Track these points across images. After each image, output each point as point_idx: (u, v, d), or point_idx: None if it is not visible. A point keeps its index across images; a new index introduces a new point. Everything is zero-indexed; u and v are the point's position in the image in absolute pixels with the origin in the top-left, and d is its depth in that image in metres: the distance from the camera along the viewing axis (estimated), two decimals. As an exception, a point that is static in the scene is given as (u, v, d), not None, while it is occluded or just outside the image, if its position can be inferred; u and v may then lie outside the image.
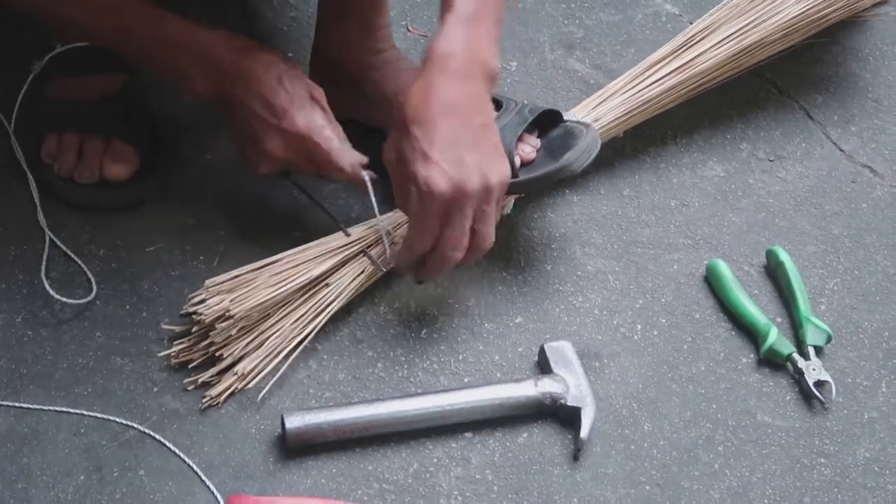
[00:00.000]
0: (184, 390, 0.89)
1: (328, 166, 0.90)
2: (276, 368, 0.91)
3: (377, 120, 1.00)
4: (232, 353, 0.89)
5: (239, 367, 0.88)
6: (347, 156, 0.90)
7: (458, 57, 0.83)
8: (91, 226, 0.97)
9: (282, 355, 0.91)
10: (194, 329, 0.91)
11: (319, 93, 0.90)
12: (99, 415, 0.87)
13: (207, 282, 0.91)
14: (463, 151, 0.84)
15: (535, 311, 0.99)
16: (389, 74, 0.99)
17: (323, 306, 0.92)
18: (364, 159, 0.92)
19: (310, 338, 0.92)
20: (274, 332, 0.90)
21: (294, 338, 0.91)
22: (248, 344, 0.90)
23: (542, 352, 0.95)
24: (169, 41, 0.86)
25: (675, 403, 0.94)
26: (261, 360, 0.90)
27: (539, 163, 0.97)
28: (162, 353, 0.91)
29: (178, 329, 0.92)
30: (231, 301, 0.88)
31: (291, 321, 0.91)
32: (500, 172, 0.86)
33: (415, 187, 0.83)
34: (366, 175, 0.91)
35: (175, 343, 0.91)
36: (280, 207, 1.01)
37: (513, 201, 1.04)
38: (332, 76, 1.00)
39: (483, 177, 0.85)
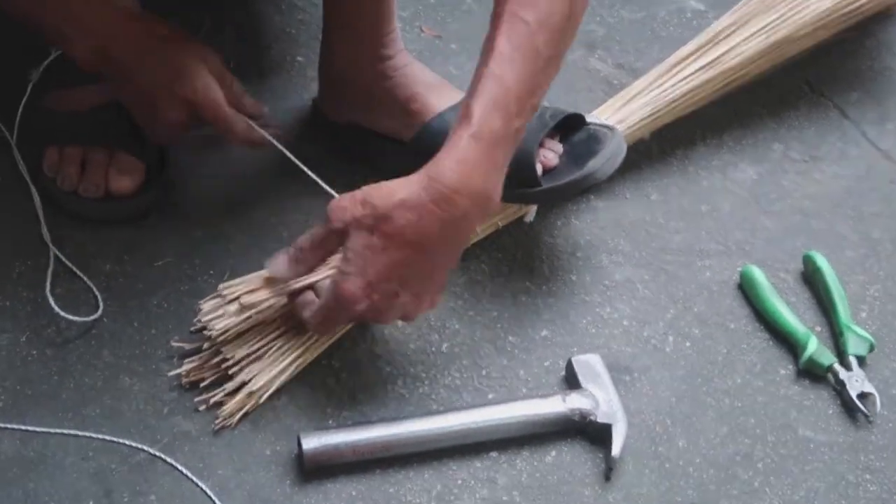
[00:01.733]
0: (195, 410, 0.89)
1: (223, 131, 0.91)
2: (292, 386, 0.91)
3: (389, 127, 1.00)
4: (245, 370, 0.88)
5: (252, 386, 0.88)
6: (240, 118, 0.91)
7: (456, 192, 0.79)
8: (96, 240, 0.97)
9: (296, 371, 0.90)
10: (205, 346, 0.90)
11: (212, 57, 0.90)
12: (108, 437, 0.86)
13: (221, 286, 0.91)
14: (404, 287, 0.82)
15: (561, 324, 0.99)
16: (400, 81, 0.98)
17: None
18: (259, 115, 0.94)
19: (324, 353, 0.92)
20: (288, 348, 0.90)
21: (309, 353, 0.91)
22: (261, 360, 0.89)
23: (569, 366, 0.94)
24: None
25: (710, 418, 0.94)
26: (275, 378, 0.89)
27: (562, 170, 0.97)
28: (172, 373, 0.90)
29: (188, 346, 0.91)
30: (242, 310, 0.88)
31: (306, 336, 0.90)
32: (423, 308, 0.86)
33: (335, 288, 0.82)
34: (266, 134, 0.92)
35: (186, 361, 0.90)
36: (291, 219, 1.01)
37: (535, 209, 1.04)
38: (341, 86, 1.01)
39: (406, 313, 0.85)
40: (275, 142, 0.92)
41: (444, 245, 0.82)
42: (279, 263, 0.87)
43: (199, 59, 0.89)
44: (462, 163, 0.79)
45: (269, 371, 0.89)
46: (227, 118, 0.90)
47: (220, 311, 0.90)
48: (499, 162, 0.81)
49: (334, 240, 0.83)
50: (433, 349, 0.96)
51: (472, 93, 0.79)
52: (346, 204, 0.81)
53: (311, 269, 0.87)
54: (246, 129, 0.92)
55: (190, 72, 0.87)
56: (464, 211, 0.80)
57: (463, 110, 0.80)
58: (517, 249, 1.04)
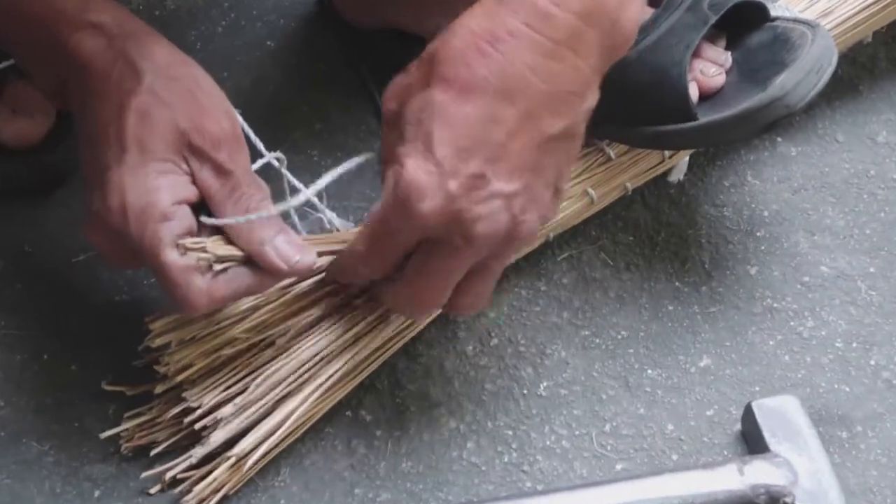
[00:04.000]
0: (144, 494, 0.89)
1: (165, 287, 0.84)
2: (297, 452, 0.92)
3: (423, 25, 1.01)
4: (221, 427, 0.89)
5: (234, 451, 0.88)
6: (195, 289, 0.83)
7: (560, 4, 0.79)
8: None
9: (304, 426, 0.91)
10: (158, 388, 0.90)
11: (206, 138, 0.85)
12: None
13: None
14: (495, 169, 0.81)
15: (731, 346, 0.99)
16: None
17: (371, 341, 0.92)
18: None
19: (350, 399, 0.93)
20: (289, 386, 0.90)
21: (324, 396, 0.91)
22: (246, 409, 0.89)
23: (748, 415, 0.94)
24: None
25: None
26: (269, 438, 0.89)
27: (731, 93, 0.97)
28: (106, 434, 0.90)
29: (129, 391, 0.92)
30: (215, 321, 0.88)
31: (319, 364, 0.91)
32: (540, 217, 0.84)
33: (393, 181, 0.81)
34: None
35: (127, 415, 0.91)
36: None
37: (686, 160, 1.04)
38: None
39: (511, 220, 0.82)
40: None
41: (550, 101, 0.80)
42: (338, 258, 0.88)
43: (175, 148, 0.84)
44: None
45: (260, 427, 0.89)
46: (181, 286, 0.83)
47: (179, 334, 0.89)
48: None
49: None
50: (523, 391, 0.96)
51: None
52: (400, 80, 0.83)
53: (391, 255, 0.85)
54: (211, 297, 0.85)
55: (141, 163, 0.82)
56: (568, 30, 0.79)
57: None
58: (657, 228, 1.05)
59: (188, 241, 0.83)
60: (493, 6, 0.79)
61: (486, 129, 0.80)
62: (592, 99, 0.82)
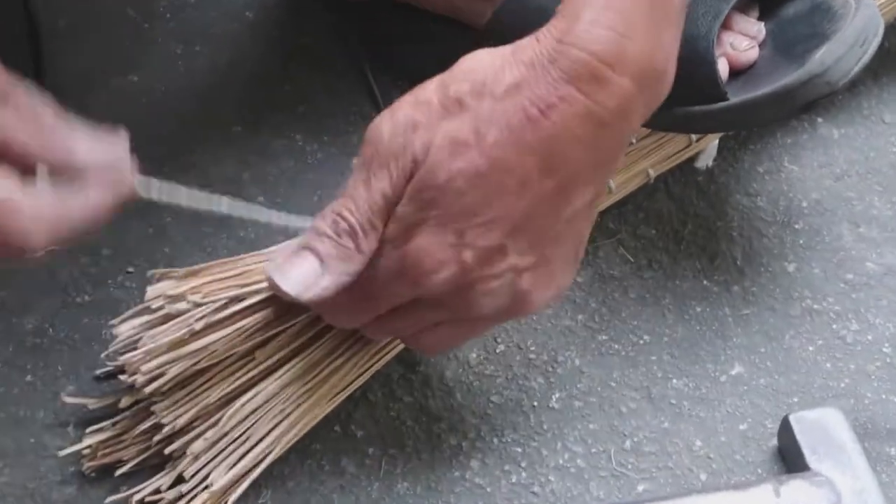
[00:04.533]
0: None
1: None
2: (280, 474, 0.92)
3: (450, 3, 1.04)
4: (195, 449, 0.88)
5: (214, 478, 0.88)
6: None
7: (607, 64, 0.79)
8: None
9: (289, 443, 0.91)
10: (123, 401, 0.90)
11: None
12: None
13: (150, 292, 0.90)
14: (515, 241, 0.81)
15: (766, 352, 0.99)
16: None
17: (368, 347, 0.93)
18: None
19: (339, 412, 0.93)
20: (272, 400, 0.90)
21: (311, 409, 0.91)
22: (222, 426, 0.88)
23: (785, 428, 0.93)
24: None
25: None
26: (250, 461, 0.89)
27: (765, 69, 0.97)
28: (66, 451, 0.90)
29: (92, 404, 0.92)
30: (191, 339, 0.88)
31: (306, 373, 0.91)
32: (552, 295, 0.85)
33: (394, 254, 0.82)
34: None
35: (89, 431, 0.91)
36: (262, 172, 1.05)
37: (715, 144, 1.05)
38: None
39: (519, 296, 0.83)
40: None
41: (587, 173, 0.81)
42: (297, 271, 0.85)
43: None
44: (611, 11, 0.78)
45: (237, 449, 0.89)
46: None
47: (149, 340, 0.89)
48: (670, 10, 0.81)
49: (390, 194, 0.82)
50: (534, 403, 0.96)
51: None
52: (405, 107, 0.81)
53: (371, 320, 0.86)
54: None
55: None
56: (622, 97, 0.79)
57: None
58: (683, 219, 1.05)
59: None
60: (537, 52, 0.79)
61: (517, 201, 0.80)
62: (622, 160, 0.84)
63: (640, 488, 0.93)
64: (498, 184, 0.79)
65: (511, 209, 0.80)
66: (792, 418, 0.92)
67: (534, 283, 0.82)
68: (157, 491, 0.88)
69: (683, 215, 1.04)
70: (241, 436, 0.90)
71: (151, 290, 0.90)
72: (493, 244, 0.80)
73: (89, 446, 0.90)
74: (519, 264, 0.81)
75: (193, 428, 0.89)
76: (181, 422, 0.88)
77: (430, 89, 0.81)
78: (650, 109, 0.82)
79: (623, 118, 0.80)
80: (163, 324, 0.90)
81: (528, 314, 0.85)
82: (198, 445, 0.88)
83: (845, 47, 0.93)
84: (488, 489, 0.92)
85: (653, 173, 1.01)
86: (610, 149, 0.82)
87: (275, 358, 0.91)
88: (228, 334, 0.89)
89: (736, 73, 0.96)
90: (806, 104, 0.95)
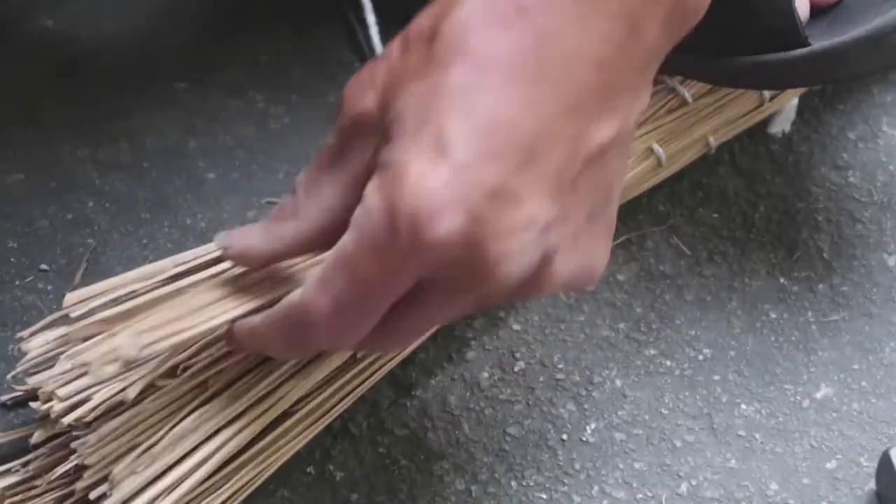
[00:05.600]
0: None
1: None
2: None
3: None
4: (131, 491, 0.86)
5: None
6: None
7: None
8: None
9: (251, 488, 0.90)
10: (35, 437, 0.89)
11: None
12: None
13: (69, 296, 0.89)
14: (528, 182, 0.80)
15: (860, 370, 0.99)
16: None
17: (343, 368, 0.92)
18: None
19: (315, 444, 0.93)
20: (229, 432, 0.89)
21: (281, 446, 0.90)
22: (160, 461, 0.87)
23: (885, 467, 0.92)
24: None
25: None
26: None
27: (854, 7, 0.97)
28: None
29: None
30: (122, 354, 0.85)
31: (271, 393, 0.89)
32: (580, 267, 0.84)
33: (381, 200, 0.80)
34: None
35: None
36: (213, 148, 1.07)
37: (794, 104, 1.07)
38: None
39: (541, 266, 0.82)
40: None
41: (598, 96, 0.80)
42: (245, 233, 0.88)
43: None
44: None
45: (180, 491, 0.87)
46: None
47: (70, 358, 0.86)
48: None
49: (360, 153, 0.82)
50: (563, 436, 0.95)
51: None
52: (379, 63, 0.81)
53: (309, 237, 0.86)
54: None
55: None
56: (636, 10, 0.79)
57: None
58: (754, 201, 1.06)
59: None
60: None
61: (519, 123, 0.78)
62: (646, 95, 0.82)
63: (696, 536, 0.91)
64: (487, 102, 0.78)
65: (512, 135, 0.79)
66: (893, 454, 0.91)
67: (556, 246, 0.81)
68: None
69: (753, 196, 1.05)
70: (182, 478, 0.89)
71: (70, 296, 0.89)
72: (501, 182, 0.77)
73: (-2, 494, 0.90)
74: (538, 217, 0.79)
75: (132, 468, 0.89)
76: (107, 461, 0.87)
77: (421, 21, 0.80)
78: (675, 27, 0.80)
79: (631, 27, 0.79)
80: (85, 339, 0.88)
81: (546, 292, 0.83)
82: (128, 485, 0.87)
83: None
84: (501, 541, 0.90)
85: (714, 142, 1.02)
86: (621, 67, 0.79)
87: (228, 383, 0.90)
88: (176, 345, 0.86)
89: (819, 10, 0.96)
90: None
